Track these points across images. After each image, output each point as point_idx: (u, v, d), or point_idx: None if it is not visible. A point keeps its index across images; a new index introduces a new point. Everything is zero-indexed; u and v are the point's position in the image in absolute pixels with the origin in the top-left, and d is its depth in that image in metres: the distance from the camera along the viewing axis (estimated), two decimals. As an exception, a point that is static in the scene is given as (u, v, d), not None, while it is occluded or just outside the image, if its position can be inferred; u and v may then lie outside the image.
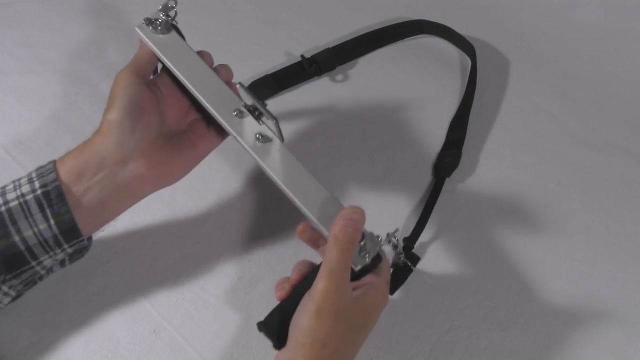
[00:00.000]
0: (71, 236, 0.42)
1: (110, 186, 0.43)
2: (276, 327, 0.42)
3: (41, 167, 0.43)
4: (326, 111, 0.65)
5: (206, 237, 0.55)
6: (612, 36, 0.76)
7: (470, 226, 0.58)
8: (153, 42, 0.47)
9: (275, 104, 0.65)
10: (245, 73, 0.67)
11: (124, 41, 0.68)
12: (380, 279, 0.44)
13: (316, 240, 0.48)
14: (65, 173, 0.42)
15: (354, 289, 0.42)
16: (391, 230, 0.46)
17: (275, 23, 0.73)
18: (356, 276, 0.43)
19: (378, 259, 0.44)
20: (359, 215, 0.41)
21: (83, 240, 0.43)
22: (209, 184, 0.58)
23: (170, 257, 0.54)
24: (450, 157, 0.62)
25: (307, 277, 0.44)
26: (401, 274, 0.53)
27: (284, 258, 0.55)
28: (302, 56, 0.67)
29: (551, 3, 0.80)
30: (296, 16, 0.74)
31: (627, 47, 0.75)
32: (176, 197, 0.57)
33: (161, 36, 0.48)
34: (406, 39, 0.74)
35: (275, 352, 0.42)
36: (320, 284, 0.39)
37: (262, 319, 0.51)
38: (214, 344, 0.50)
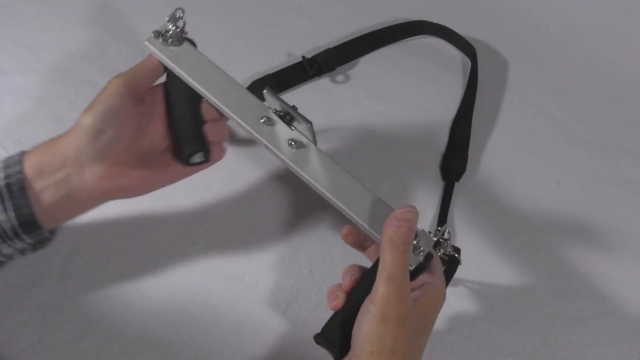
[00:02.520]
0: (30, 228, 0.42)
1: (63, 189, 0.42)
2: (337, 337, 0.41)
3: (10, 157, 0.43)
4: (326, 111, 0.65)
5: (206, 237, 0.55)
6: (612, 36, 0.76)
7: (469, 226, 0.58)
8: (165, 55, 0.45)
9: (275, 104, 0.66)
10: (245, 73, 0.67)
11: (124, 41, 0.68)
12: (435, 277, 0.42)
13: (362, 243, 0.47)
14: (29, 167, 0.42)
15: (412, 290, 0.41)
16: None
17: (275, 23, 0.73)
18: (411, 275, 0.41)
19: (429, 256, 0.43)
20: (412, 214, 0.40)
21: (43, 233, 0.43)
22: (209, 184, 0.58)
23: (171, 257, 0.54)
24: (457, 160, 0.62)
25: (361, 282, 0.43)
26: (449, 267, 0.50)
27: (284, 258, 0.55)
28: (303, 57, 0.67)
29: (551, 3, 0.80)
30: (296, 16, 0.74)
31: (627, 47, 0.75)
32: (176, 197, 0.57)
33: (173, 48, 0.46)
34: (406, 39, 0.74)
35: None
36: (380, 289, 0.38)
37: (262, 319, 0.52)
38: (213, 343, 0.50)
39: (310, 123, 0.42)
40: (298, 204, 0.57)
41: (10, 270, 0.51)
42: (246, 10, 0.74)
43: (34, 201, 0.41)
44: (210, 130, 0.46)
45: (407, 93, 0.68)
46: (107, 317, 0.50)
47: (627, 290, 0.55)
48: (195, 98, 0.47)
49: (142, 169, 0.45)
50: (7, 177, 0.41)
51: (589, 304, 0.54)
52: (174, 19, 0.46)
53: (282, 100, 0.42)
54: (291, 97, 0.67)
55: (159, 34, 0.46)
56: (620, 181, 0.62)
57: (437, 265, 0.44)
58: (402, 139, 0.64)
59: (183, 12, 0.46)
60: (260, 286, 0.53)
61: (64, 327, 0.49)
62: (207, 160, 0.47)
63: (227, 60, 0.68)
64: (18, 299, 0.50)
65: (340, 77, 0.69)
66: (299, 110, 0.43)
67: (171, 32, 0.46)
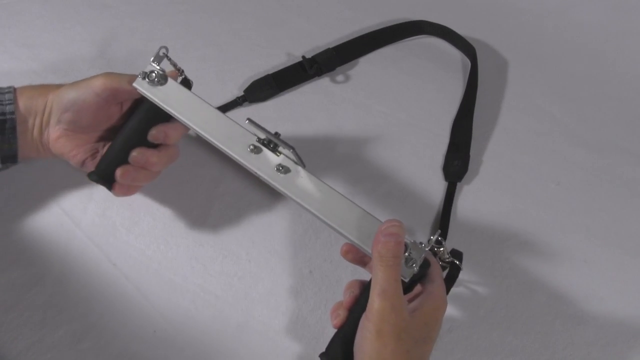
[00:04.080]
0: (9, 160, 0.49)
1: (34, 133, 0.49)
2: (339, 356, 0.42)
3: (2, 94, 0.47)
4: (326, 111, 0.65)
5: (206, 237, 0.55)
6: (612, 36, 0.76)
7: (469, 226, 0.58)
8: (153, 95, 0.48)
9: (275, 104, 0.65)
10: (246, 73, 0.67)
11: (124, 41, 0.68)
12: (433, 285, 0.43)
13: (361, 259, 0.47)
14: (22, 106, 0.48)
15: (409, 301, 0.41)
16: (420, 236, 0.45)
17: (275, 23, 0.73)
18: (408, 286, 0.42)
19: (426, 264, 0.43)
20: (398, 228, 0.41)
21: (15, 164, 0.50)
22: (210, 184, 0.58)
23: (171, 257, 0.54)
24: (458, 160, 0.62)
25: (360, 298, 0.43)
26: (450, 274, 0.50)
27: (284, 258, 0.55)
28: (303, 57, 0.67)
29: (551, 3, 0.80)
30: (296, 16, 0.74)
31: (627, 47, 0.75)
32: (177, 197, 0.57)
33: (160, 87, 0.48)
34: (406, 39, 0.74)
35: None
36: (374, 305, 0.39)
37: (262, 319, 0.52)
38: (213, 343, 0.50)
39: (293, 148, 0.44)
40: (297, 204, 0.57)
41: (10, 270, 0.51)
42: (246, 10, 0.74)
43: (20, 139, 0.48)
44: (123, 173, 0.49)
45: (407, 93, 0.68)
46: (107, 317, 0.50)
47: (627, 290, 0.55)
48: (138, 140, 0.50)
49: (87, 152, 0.51)
50: (1, 113, 0.47)
51: (588, 304, 0.54)
52: (158, 58, 0.49)
53: (264, 129, 0.44)
54: (291, 97, 0.67)
55: (145, 75, 0.48)
56: (620, 181, 0.62)
57: (436, 273, 0.44)
58: (402, 139, 0.64)
59: (167, 50, 0.49)
60: (260, 286, 0.53)
61: (64, 327, 0.49)
62: (110, 190, 0.51)
63: (227, 60, 0.68)
64: (18, 299, 0.50)
65: (340, 77, 0.69)
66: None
67: (155, 73, 0.48)
